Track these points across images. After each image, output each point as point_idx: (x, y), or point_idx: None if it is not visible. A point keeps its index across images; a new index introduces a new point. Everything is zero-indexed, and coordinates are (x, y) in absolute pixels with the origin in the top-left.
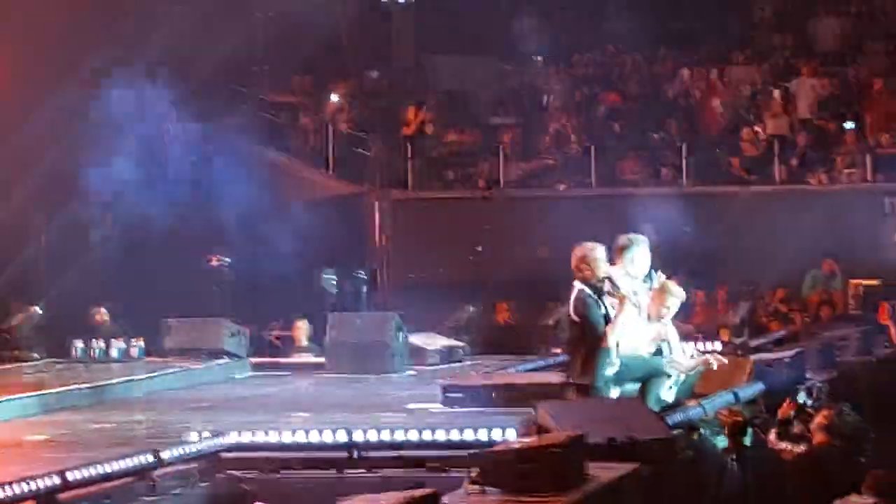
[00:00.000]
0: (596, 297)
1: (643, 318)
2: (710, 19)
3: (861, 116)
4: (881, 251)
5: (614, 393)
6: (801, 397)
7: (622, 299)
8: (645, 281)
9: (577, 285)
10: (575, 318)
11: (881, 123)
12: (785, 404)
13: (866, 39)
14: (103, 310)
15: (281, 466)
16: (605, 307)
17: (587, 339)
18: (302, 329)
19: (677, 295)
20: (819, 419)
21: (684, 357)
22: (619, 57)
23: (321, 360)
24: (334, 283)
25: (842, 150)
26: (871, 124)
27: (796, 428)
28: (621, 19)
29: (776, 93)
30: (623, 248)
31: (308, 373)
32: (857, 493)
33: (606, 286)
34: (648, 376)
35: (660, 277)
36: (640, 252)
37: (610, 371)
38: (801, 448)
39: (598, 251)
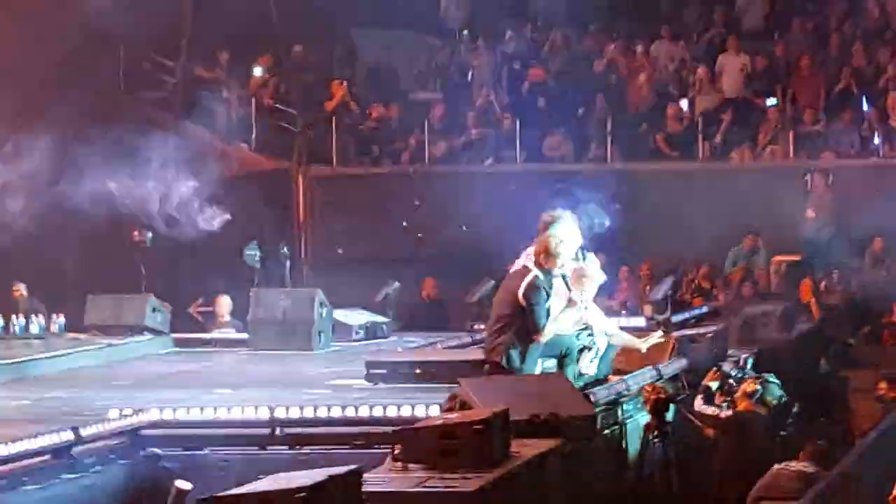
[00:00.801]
0: (548, 287)
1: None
2: None
3: (785, 94)
4: (803, 228)
5: (536, 370)
6: (727, 367)
7: (572, 303)
8: (576, 258)
9: (534, 271)
10: (522, 302)
11: (805, 101)
12: (710, 373)
13: (793, 17)
14: (22, 286)
15: (202, 444)
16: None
17: (524, 327)
18: (224, 305)
19: (594, 277)
20: (744, 387)
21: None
22: (545, 33)
23: (244, 336)
24: (257, 258)
25: (765, 128)
26: (795, 101)
27: (718, 399)
28: None
29: (701, 69)
30: (548, 225)
31: (231, 349)
32: (795, 460)
33: (558, 276)
34: (564, 353)
35: (590, 257)
36: (565, 229)
37: (536, 352)
38: (727, 413)
39: (567, 244)
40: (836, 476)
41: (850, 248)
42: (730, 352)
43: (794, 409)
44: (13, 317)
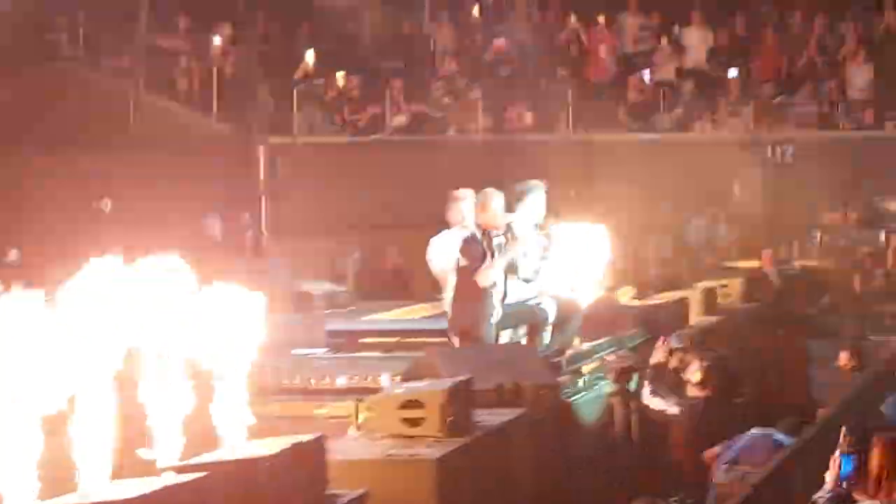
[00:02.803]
0: (484, 242)
1: (531, 268)
2: None
3: (746, 66)
4: (734, 205)
5: (501, 338)
6: (675, 342)
7: (513, 242)
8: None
9: (465, 231)
10: (462, 261)
11: (765, 73)
12: (657, 350)
13: None
14: None
15: None
16: (494, 253)
17: (471, 283)
18: None
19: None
20: (690, 373)
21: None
22: (508, 2)
23: None
24: (218, 227)
25: (725, 100)
26: (756, 74)
27: (669, 379)
28: None
29: (664, 41)
30: (521, 194)
31: None
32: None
33: (498, 234)
34: (533, 322)
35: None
36: (536, 198)
37: (493, 318)
38: (675, 410)
39: (497, 199)
40: (799, 444)
41: (810, 220)
42: (691, 321)
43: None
44: None
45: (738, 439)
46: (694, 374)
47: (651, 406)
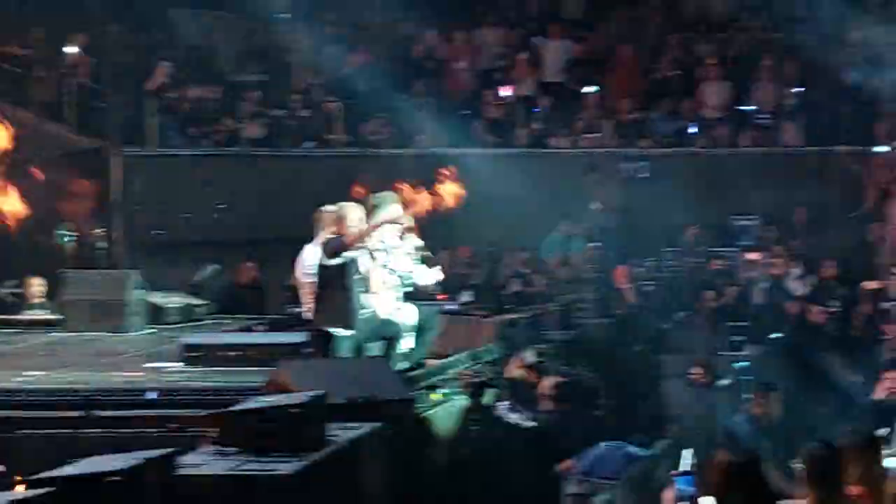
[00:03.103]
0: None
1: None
2: None
3: (604, 81)
4: (593, 218)
5: (367, 349)
6: (529, 357)
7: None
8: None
9: (324, 237)
10: (326, 261)
11: (623, 89)
12: (512, 365)
13: (613, 6)
14: None
15: (13, 426)
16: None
17: (338, 282)
18: (36, 286)
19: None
20: (544, 387)
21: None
22: (366, 17)
23: (56, 317)
24: (70, 239)
25: (583, 115)
26: (614, 90)
27: (524, 393)
28: None
29: (522, 56)
30: (375, 207)
31: (42, 331)
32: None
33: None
34: (389, 336)
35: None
36: (392, 208)
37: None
38: (531, 423)
39: (355, 211)
40: (648, 459)
41: (665, 236)
42: (547, 336)
43: (602, 397)
44: None
45: (589, 452)
46: (548, 388)
47: (507, 420)
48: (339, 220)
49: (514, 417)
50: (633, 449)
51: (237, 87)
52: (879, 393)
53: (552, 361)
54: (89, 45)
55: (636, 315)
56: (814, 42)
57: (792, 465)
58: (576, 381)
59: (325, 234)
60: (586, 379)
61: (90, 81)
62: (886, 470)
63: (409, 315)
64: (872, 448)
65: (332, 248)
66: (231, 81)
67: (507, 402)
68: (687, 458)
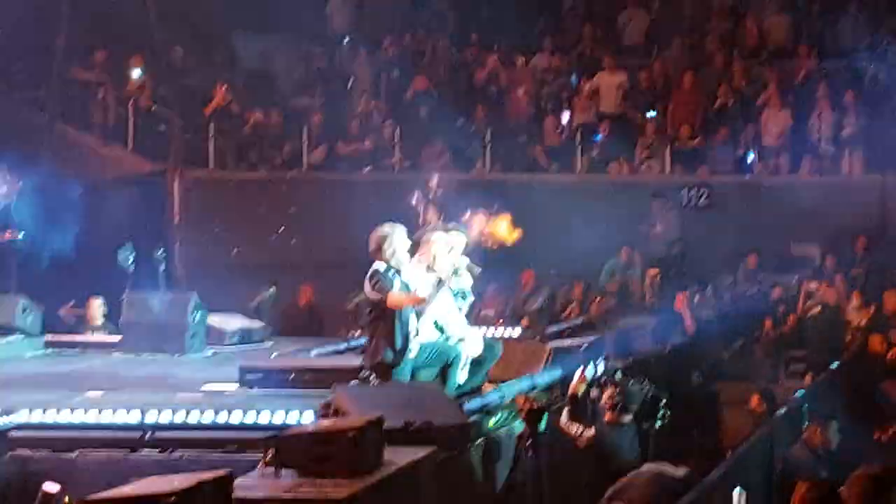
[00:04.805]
0: (393, 274)
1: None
2: (519, 7)
3: (663, 109)
4: (652, 246)
5: (419, 377)
6: (591, 371)
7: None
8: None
9: (375, 265)
10: (372, 295)
11: (682, 117)
12: (575, 380)
13: (672, 33)
14: None
15: (73, 445)
16: (405, 286)
17: (385, 317)
18: (97, 307)
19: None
20: (605, 399)
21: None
22: (428, 41)
23: (116, 338)
24: (131, 261)
25: (642, 142)
26: (673, 117)
27: (586, 409)
28: (431, 4)
29: (582, 83)
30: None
31: (103, 351)
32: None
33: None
34: (446, 362)
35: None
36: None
37: (411, 347)
38: (591, 433)
39: (398, 233)
40: (703, 487)
41: (724, 264)
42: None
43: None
44: None
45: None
46: (609, 399)
47: (568, 431)
48: (377, 241)
49: (573, 428)
50: (673, 473)
51: (297, 111)
52: None
53: (613, 378)
54: (151, 69)
55: (694, 342)
56: (874, 70)
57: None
58: (636, 394)
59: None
60: (646, 391)
61: (152, 104)
62: None
63: (471, 343)
64: None
65: (376, 292)
66: (291, 105)
67: (567, 413)
68: (737, 499)
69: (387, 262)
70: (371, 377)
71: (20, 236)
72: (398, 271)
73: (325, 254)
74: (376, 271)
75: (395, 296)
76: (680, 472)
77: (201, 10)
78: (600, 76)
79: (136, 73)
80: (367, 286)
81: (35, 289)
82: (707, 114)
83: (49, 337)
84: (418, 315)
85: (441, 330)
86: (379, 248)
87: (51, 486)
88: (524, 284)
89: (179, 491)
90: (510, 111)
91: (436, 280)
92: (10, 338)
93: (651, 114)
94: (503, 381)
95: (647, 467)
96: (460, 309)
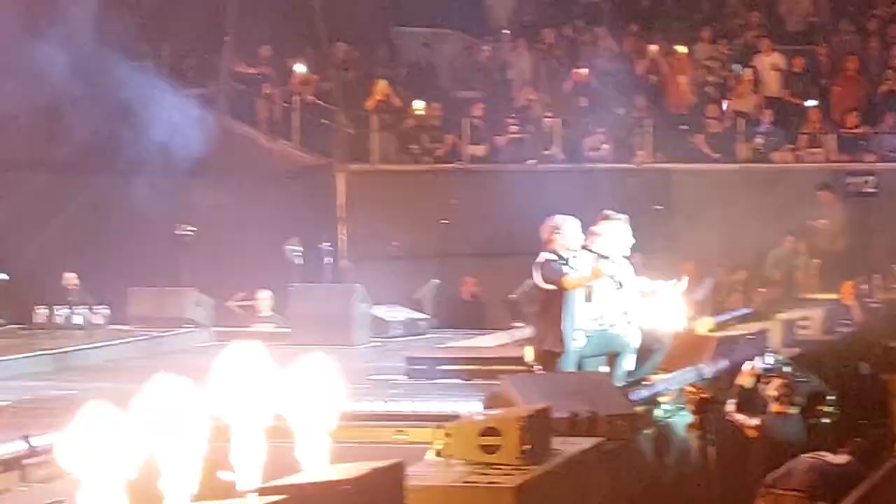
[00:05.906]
0: (563, 262)
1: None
2: None
3: (827, 96)
4: (818, 237)
5: (585, 366)
6: (760, 363)
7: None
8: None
9: (544, 254)
10: (543, 284)
11: (847, 103)
12: (744, 373)
13: (835, 18)
14: (73, 275)
15: None
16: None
17: (552, 307)
18: (265, 299)
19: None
20: (771, 390)
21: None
22: (587, 32)
23: (283, 330)
24: (299, 254)
25: (805, 129)
26: (837, 104)
27: (757, 397)
28: None
29: (743, 70)
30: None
31: (271, 343)
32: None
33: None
34: (615, 351)
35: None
36: (621, 230)
37: (578, 336)
38: (756, 421)
39: (570, 223)
40: (881, 479)
41: (891, 252)
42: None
43: (828, 400)
44: (56, 308)
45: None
46: (775, 390)
47: (735, 420)
48: (551, 230)
49: (740, 417)
50: (833, 461)
51: (458, 104)
52: None
53: (782, 369)
54: (315, 63)
55: (862, 333)
56: None
57: None
58: (804, 384)
59: (544, 251)
60: (814, 386)
61: (316, 99)
62: None
63: (633, 335)
64: None
65: (549, 279)
66: (452, 98)
67: (734, 403)
68: None
69: (557, 251)
70: (537, 367)
71: (192, 231)
72: (567, 260)
73: (486, 245)
74: (547, 260)
75: (572, 277)
76: (841, 459)
77: (363, 6)
78: (759, 60)
79: (299, 68)
80: (535, 275)
81: (206, 281)
82: (873, 100)
83: (218, 329)
84: (587, 302)
85: (612, 320)
86: (550, 238)
87: (225, 474)
88: (688, 273)
89: (354, 478)
90: (671, 100)
91: (606, 263)
92: (183, 330)
93: (811, 102)
94: (670, 371)
95: (807, 455)
96: (623, 299)
